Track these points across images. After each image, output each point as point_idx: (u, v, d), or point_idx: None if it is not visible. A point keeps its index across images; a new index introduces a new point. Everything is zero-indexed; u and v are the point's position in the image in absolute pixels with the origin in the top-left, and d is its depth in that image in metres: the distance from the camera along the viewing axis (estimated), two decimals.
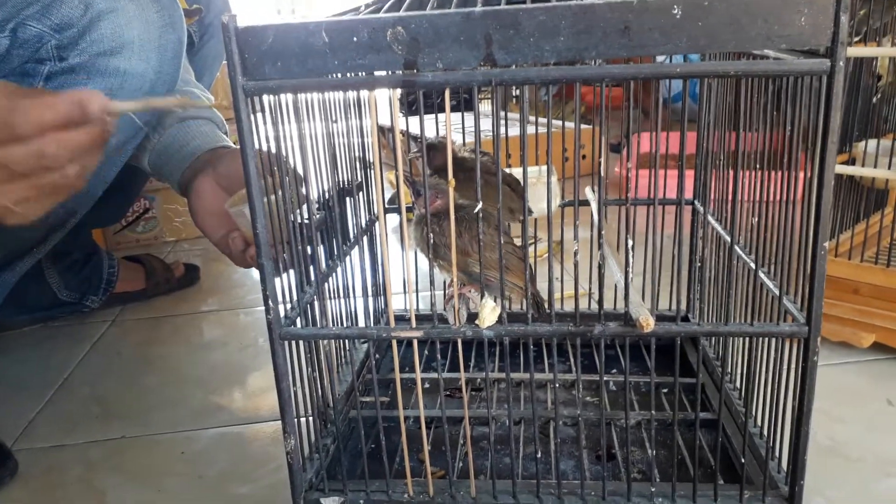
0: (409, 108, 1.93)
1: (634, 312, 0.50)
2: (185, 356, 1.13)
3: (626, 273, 0.50)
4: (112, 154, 0.86)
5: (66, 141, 0.55)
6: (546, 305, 0.65)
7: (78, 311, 1.26)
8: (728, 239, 0.56)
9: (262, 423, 0.90)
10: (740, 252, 0.67)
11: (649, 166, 0.96)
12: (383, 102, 0.74)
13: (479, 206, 0.48)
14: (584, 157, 2.27)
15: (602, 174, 0.49)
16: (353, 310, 0.74)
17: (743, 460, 0.59)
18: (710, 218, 0.81)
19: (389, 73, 0.46)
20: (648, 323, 0.49)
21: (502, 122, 1.39)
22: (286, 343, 0.55)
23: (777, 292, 0.57)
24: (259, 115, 0.50)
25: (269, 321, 0.53)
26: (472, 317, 0.56)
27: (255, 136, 0.49)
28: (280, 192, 0.55)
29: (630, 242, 0.49)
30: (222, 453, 0.85)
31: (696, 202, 0.86)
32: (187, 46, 0.91)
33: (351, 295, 0.71)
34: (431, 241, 0.48)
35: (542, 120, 1.70)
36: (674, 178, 0.79)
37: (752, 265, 0.62)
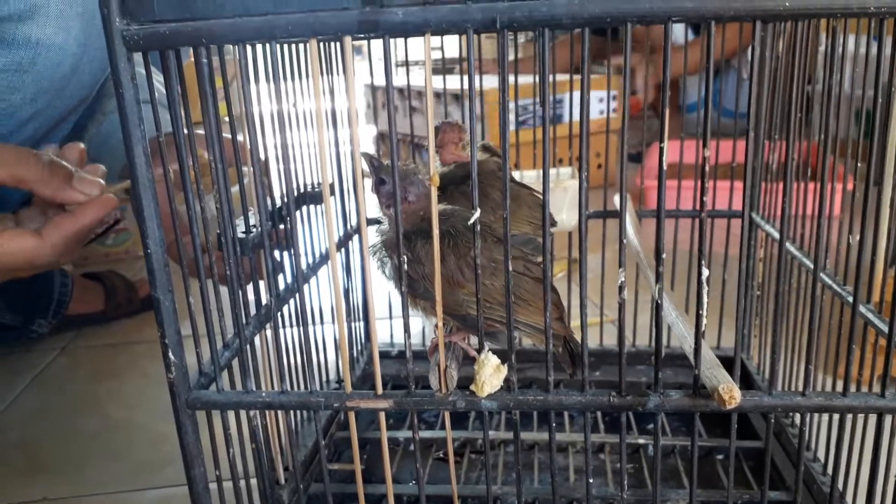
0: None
1: (709, 380, 0.33)
2: (140, 392, 0.96)
3: (699, 321, 0.33)
4: None
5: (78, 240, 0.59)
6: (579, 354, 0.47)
7: (24, 337, 1.10)
8: (808, 263, 0.39)
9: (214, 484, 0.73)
10: (826, 279, 0.50)
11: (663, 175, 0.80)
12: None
13: (477, 213, 0.32)
14: (599, 166, 2.10)
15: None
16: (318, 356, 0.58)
17: None
18: (768, 227, 0.65)
19: (340, 9, 0.30)
20: (733, 397, 0.32)
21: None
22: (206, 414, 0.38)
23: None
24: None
25: (171, 382, 0.36)
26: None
27: (137, 113, 0.33)
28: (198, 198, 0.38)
29: (706, 273, 0.32)
30: None
31: (751, 213, 0.69)
32: None
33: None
34: (404, 267, 0.31)
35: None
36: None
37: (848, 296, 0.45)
